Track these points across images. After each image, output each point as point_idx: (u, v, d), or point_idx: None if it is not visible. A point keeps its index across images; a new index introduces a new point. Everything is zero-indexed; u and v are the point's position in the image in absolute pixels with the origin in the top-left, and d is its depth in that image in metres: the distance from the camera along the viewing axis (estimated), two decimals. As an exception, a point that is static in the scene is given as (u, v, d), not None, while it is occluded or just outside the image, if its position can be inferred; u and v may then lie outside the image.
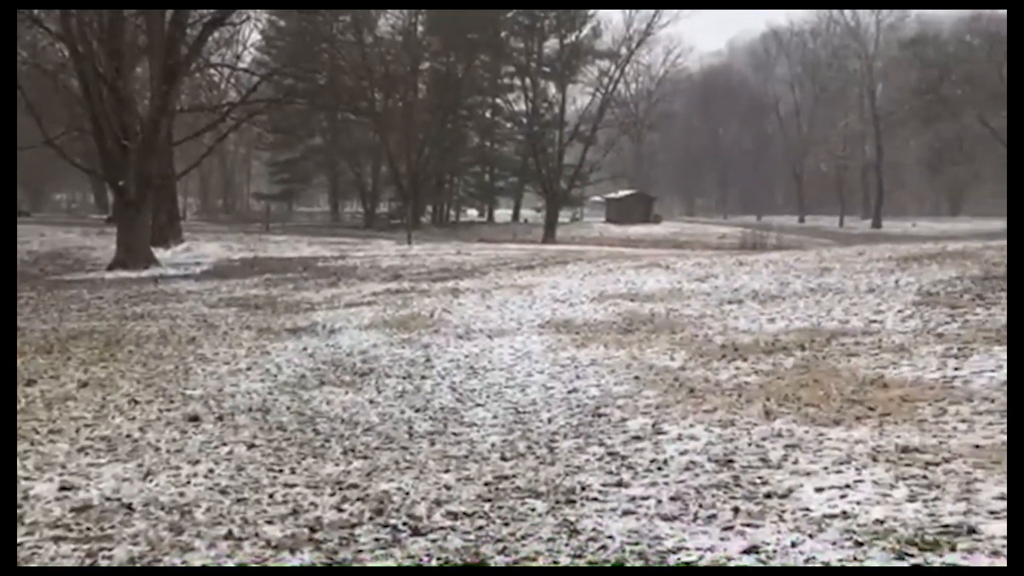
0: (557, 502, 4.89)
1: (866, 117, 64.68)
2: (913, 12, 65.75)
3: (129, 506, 5.06)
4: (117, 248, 22.16)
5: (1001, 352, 7.58)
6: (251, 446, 6.28)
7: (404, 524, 4.69)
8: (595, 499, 4.90)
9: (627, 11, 53.28)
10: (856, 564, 3.80)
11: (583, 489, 5.08)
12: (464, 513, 4.80)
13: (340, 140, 51.87)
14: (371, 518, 4.79)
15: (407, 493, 5.17)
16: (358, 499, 5.09)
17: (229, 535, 4.59)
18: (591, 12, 55.35)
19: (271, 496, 5.19)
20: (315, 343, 10.44)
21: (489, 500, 4.99)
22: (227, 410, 7.34)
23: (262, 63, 47.51)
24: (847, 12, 67.38)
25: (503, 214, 66.27)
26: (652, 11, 50.87)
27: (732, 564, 3.96)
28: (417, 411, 7.20)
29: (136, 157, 21.59)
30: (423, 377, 8.43)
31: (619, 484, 5.14)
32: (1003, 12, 50.46)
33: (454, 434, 6.48)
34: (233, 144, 58.64)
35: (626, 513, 4.66)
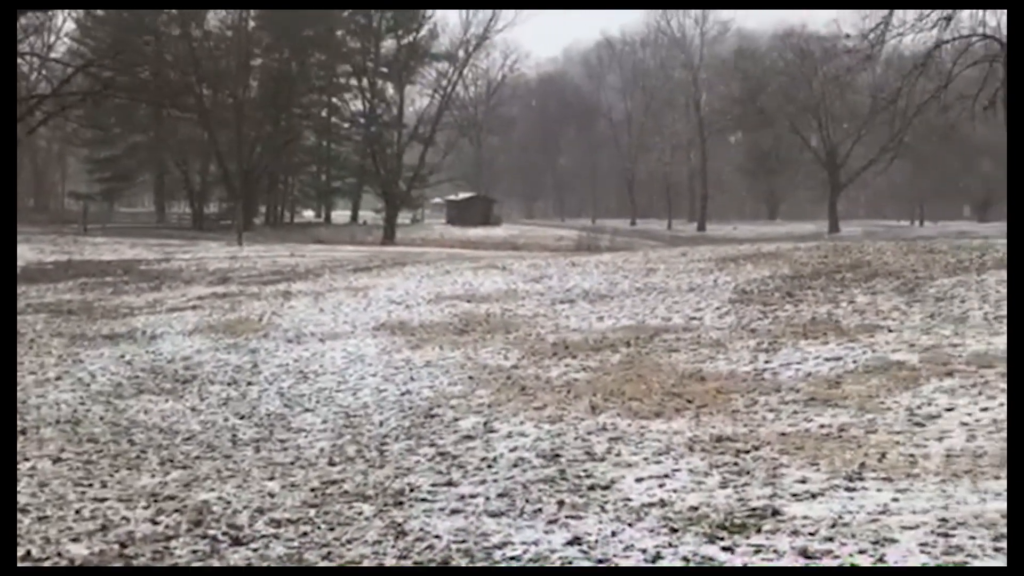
0: (385, 504, 4.83)
1: (692, 125, 67.93)
2: (734, 26, 69.81)
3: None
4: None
5: (807, 345, 8.14)
6: (57, 460, 5.86)
7: (224, 534, 4.51)
8: (424, 500, 4.89)
9: (464, 15, 53.63)
10: (854, 565, 3.77)
11: (412, 490, 5.05)
12: (288, 520, 4.67)
13: (166, 137, 49.34)
14: (189, 530, 4.58)
15: (228, 502, 4.97)
16: (175, 511, 4.85)
17: (27, 556, 4.26)
18: (428, 14, 55.35)
19: (78, 512, 4.86)
20: (134, 350, 9.88)
21: (315, 506, 4.87)
22: (31, 423, 6.82)
23: (78, 54, 44.53)
24: (673, 23, 70.67)
25: (341, 215, 65.08)
26: (489, 15, 51.46)
27: (559, 555, 4.04)
28: (242, 418, 6.94)
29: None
30: (249, 383, 8.14)
31: (448, 484, 5.14)
32: (812, 30, 54.37)
33: (280, 440, 6.29)
34: (45, 140, 54.68)
35: (454, 512, 4.67)
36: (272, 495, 5.09)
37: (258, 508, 4.87)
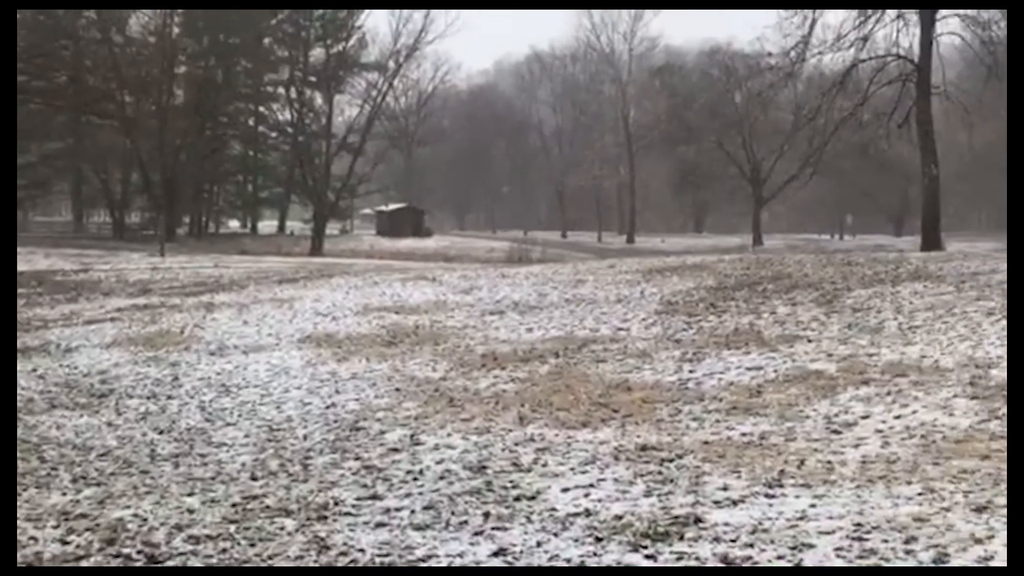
0: (308, 519, 4.75)
1: (620, 140, 68.82)
2: (662, 42, 71.10)
3: None
4: None
5: (729, 355, 8.29)
6: (-39, 479, 5.59)
7: (139, 552, 4.37)
8: (348, 513, 4.81)
9: (395, 25, 53.55)
10: (851, 565, 3.81)
11: (336, 504, 4.97)
12: (207, 536, 4.54)
13: (84, 144, 47.85)
14: (101, 549, 4.42)
15: (145, 519, 4.82)
16: (87, 529, 4.68)
17: (-74, 581, 4.05)
18: (358, 23, 54.94)
19: (-18, 534, 4.65)
20: (46, 364, 9.53)
21: (235, 521, 4.75)
22: (-66, 441, 6.50)
23: (-9, 57, 42.91)
24: (603, 39, 71.62)
25: (268, 226, 64.07)
26: (420, 26, 51.40)
27: (484, 567, 4.02)
28: (161, 433, 6.75)
29: None
30: (169, 397, 7.93)
31: (373, 497, 5.08)
32: (737, 47, 55.70)
33: (201, 455, 6.13)
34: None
35: (379, 525, 4.61)
36: (191, 511, 4.95)
37: (176, 525, 4.73)
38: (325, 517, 4.76)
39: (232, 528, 4.65)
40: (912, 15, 26.24)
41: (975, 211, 69.97)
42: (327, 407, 7.35)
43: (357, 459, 5.87)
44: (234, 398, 7.82)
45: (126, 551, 4.39)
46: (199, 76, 51.57)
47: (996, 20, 26.73)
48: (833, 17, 27.65)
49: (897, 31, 26.72)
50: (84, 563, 4.26)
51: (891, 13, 26.59)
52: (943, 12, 26.26)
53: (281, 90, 54.29)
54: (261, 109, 57.36)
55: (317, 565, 4.15)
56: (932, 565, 3.76)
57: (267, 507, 4.98)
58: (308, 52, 55.30)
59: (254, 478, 5.56)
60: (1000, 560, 3.73)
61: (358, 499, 5.04)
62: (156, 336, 11.00)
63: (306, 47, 55.18)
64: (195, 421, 7.09)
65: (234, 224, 65.62)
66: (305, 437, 6.50)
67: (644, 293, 12.19)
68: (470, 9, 74.26)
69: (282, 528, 4.62)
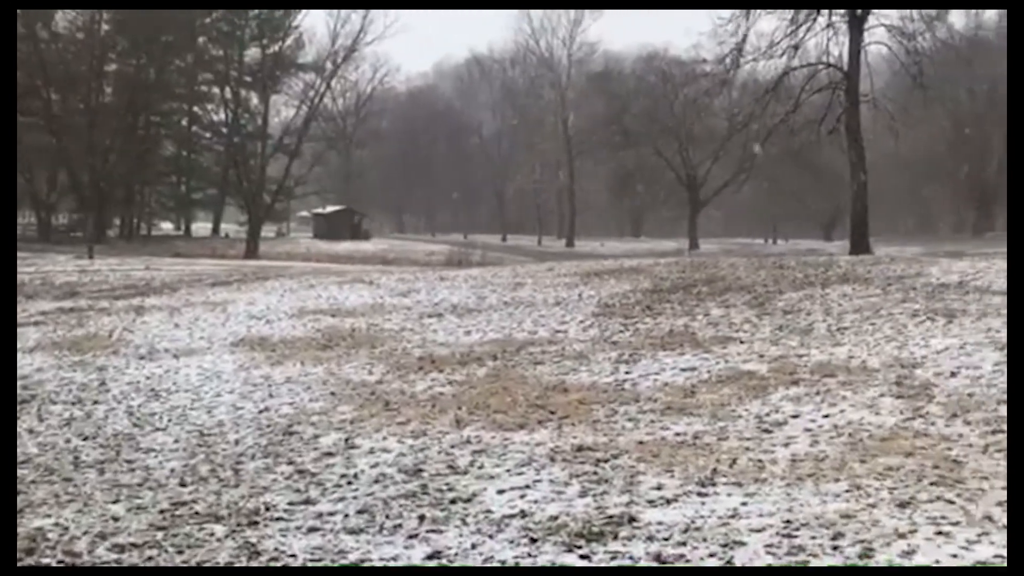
0: (239, 525, 4.65)
1: (560, 144, 69.17)
2: (601, 48, 71.66)
3: None
4: None
5: (664, 356, 8.39)
6: None
7: (60, 562, 4.24)
8: (280, 519, 4.73)
9: (332, 26, 53.02)
10: (849, 565, 3.81)
11: (268, 509, 4.88)
12: (132, 544, 4.42)
13: (9, 143, 46.20)
14: (19, 560, 4.26)
15: (66, 528, 4.68)
16: (5, 540, 4.51)
17: None
18: (295, 23, 54.23)
19: None
20: (-34, 368, 9.17)
21: (163, 528, 4.64)
22: None
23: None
24: (542, 43, 71.95)
25: (202, 228, 62.79)
26: (358, 27, 51.04)
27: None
28: (86, 439, 6.55)
29: None
30: (96, 402, 7.70)
31: (306, 502, 5.00)
32: (673, 54, 56.50)
33: (128, 461, 5.97)
34: None
35: (311, 530, 4.54)
36: (116, 519, 4.82)
37: (100, 533, 4.59)
38: (256, 523, 4.68)
39: (159, 535, 4.53)
40: (842, 24, 26.92)
41: (902, 216, 72.08)
42: (260, 411, 7.22)
43: (290, 463, 5.78)
44: (164, 403, 7.63)
45: (46, 560, 4.25)
46: (130, 74, 50.27)
47: (921, 32, 27.63)
48: (766, 25, 28.34)
49: (827, 40, 27.39)
50: None
51: (822, 22, 27.26)
52: (871, 22, 26.99)
53: (216, 90, 53.28)
54: (195, 109, 56.18)
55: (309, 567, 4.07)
56: (932, 565, 3.79)
57: (196, 513, 4.87)
58: (243, 51, 54.36)
59: (183, 484, 5.43)
60: (921, 557, 3.84)
61: (290, 504, 4.96)
62: (83, 340, 10.68)
63: (241, 46, 54.24)
64: (122, 426, 6.90)
65: (167, 226, 64.12)
66: (237, 442, 6.37)
67: (582, 296, 12.26)
68: (408, 9, 74.13)
69: (212, 534, 4.53)
